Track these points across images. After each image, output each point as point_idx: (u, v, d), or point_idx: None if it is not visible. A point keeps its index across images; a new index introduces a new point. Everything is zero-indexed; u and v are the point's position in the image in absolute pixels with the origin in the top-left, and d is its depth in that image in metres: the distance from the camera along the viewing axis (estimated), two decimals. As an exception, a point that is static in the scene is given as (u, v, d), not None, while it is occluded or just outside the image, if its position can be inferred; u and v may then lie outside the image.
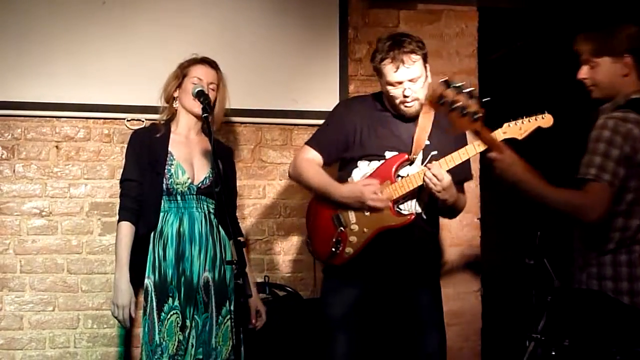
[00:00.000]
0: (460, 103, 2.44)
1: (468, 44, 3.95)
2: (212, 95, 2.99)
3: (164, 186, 2.93)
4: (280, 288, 3.67)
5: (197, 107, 2.91)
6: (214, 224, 2.97)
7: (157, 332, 2.84)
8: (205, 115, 2.84)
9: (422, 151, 2.90)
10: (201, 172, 2.99)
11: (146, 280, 2.90)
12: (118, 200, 3.04)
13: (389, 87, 2.85)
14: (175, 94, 3.04)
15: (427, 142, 2.91)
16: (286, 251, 3.79)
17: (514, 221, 4.70)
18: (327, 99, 3.64)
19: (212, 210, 2.99)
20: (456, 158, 2.80)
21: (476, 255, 3.94)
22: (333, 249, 2.90)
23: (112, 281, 2.96)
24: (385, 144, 2.90)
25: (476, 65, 3.94)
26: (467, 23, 3.96)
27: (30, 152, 3.56)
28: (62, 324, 3.52)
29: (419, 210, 2.92)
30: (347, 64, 3.81)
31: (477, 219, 3.93)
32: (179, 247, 2.91)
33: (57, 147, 3.58)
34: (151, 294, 2.88)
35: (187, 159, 2.99)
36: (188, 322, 2.87)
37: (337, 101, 3.59)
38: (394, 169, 2.86)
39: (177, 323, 2.86)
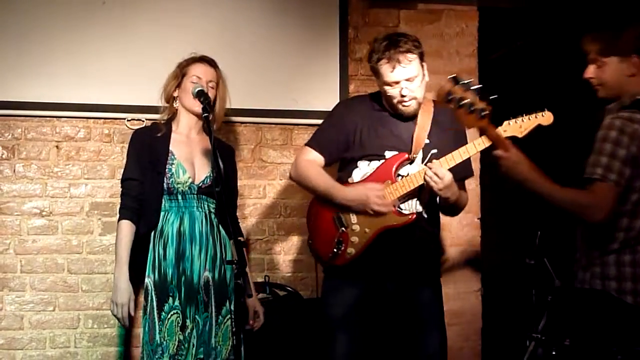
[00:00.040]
0: (468, 100, 2.45)
1: (468, 43, 3.95)
2: (211, 93, 2.99)
3: (165, 185, 2.93)
4: (281, 288, 3.67)
5: (197, 107, 2.91)
6: (214, 223, 2.97)
7: (157, 331, 2.84)
8: (205, 115, 2.84)
9: (422, 150, 2.90)
10: (202, 171, 2.99)
11: (146, 280, 2.90)
12: (118, 200, 3.04)
13: (386, 87, 2.85)
14: (175, 94, 3.04)
15: (427, 141, 2.91)
16: (286, 251, 3.79)
17: (514, 221, 4.70)
18: (327, 99, 3.64)
19: (212, 210, 2.99)
20: (457, 157, 2.80)
21: (476, 255, 3.94)
22: (335, 250, 2.89)
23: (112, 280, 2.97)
24: (385, 143, 2.90)
25: (476, 65, 3.95)
26: (467, 23, 3.96)
27: (30, 152, 3.56)
28: (62, 323, 3.52)
29: (420, 209, 2.92)
30: (347, 63, 3.81)
31: (477, 219, 3.93)
32: (179, 246, 2.91)
33: (57, 147, 3.58)
34: (151, 293, 2.88)
35: (188, 159, 2.99)
36: (188, 322, 2.87)
37: (337, 101, 3.58)
38: (394, 169, 2.86)
39: (178, 323, 2.86)
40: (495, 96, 2.50)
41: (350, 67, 3.82)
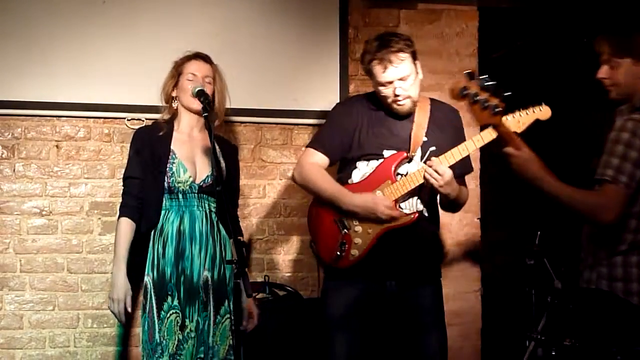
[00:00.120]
0: (483, 96, 2.44)
1: (468, 43, 3.95)
2: (208, 88, 2.99)
3: (166, 184, 2.93)
4: (281, 288, 3.67)
5: (196, 105, 2.91)
6: (214, 222, 2.97)
7: (157, 330, 2.84)
8: (205, 115, 2.83)
9: (420, 148, 2.90)
10: (203, 170, 2.99)
11: (145, 278, 2.90)
12: (118, 199, 3.04)
13: (380, 87, 2.86)
14: (174, 94, 3.05)
15: (425, 139, 2.91)
16: (286, 251, 3.79)
17: (513, 221, 4.70)
18: (327, 99, 3.63)
19: (213, 209, 2.99)
20: (456, 154, 2.80)
21: (476, 255, 3.94)
22: (338, 252, 2.88)
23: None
24: (383, 142, 2.90)
25: (476, 65, 3.94)
26: (467, 23, 3.96)
27: (30, 152, 3.56)
28: (62, 323, 3.52)
29: (421, 207, 2.91)
30: (347, 63, 3.81)
31: (477, 218, 3.92)
32: (179, 245, 2.91)
33: (57, 146, 3.58)
34: (150, 291, 2.88)
35: (189, 158, 2.99)
36: (187, 322, 2.87)
37: (337, 101, 3.59)
38: (393, 168, 2.86)
39: (177, 322, 2.86)
40: (510, 93, 2.50)
41: (350, 67, 3.81)
